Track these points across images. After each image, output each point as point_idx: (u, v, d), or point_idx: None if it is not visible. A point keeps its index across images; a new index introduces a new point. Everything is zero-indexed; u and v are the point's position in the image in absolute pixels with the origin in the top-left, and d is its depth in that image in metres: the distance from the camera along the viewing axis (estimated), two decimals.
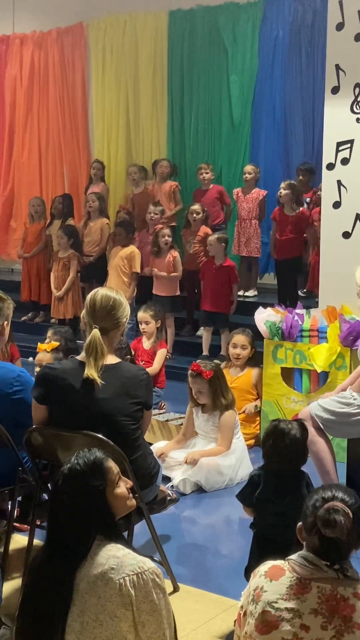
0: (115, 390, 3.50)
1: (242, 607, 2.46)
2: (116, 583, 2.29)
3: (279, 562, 2.43)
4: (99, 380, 3.46)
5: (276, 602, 2.32)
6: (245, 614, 2.42)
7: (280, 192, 8.51)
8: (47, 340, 5.95)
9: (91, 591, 2.31)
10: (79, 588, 2.32)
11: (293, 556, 2.42)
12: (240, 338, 6.43)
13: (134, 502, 2.63)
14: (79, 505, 2.40)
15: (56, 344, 5.49)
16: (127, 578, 2.30)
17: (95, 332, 3.52)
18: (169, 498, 4.09)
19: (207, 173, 9.40)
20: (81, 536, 2.38)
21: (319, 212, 7.14)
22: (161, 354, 6.97)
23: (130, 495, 2.59)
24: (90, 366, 3.48)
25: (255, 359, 6.44)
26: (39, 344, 5.67)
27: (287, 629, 2.30)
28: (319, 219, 6.97)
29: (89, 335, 3.53)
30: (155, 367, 6.84)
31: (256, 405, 6.26)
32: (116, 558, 2.34)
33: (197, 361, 5.59)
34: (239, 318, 7.99)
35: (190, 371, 5.46)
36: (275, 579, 2.37)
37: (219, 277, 8.11)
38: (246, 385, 6.34)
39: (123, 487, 2.54)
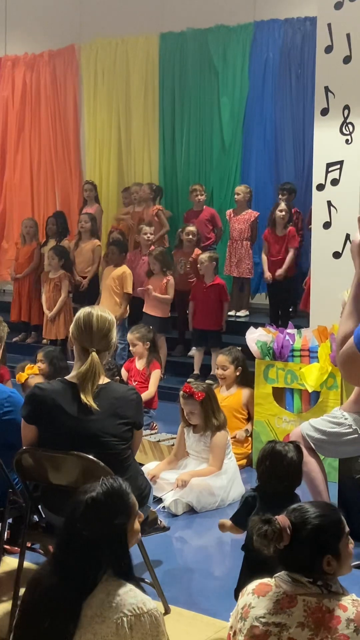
0: (105, 411, 3.47)
1: (231, 627, 2.46)
2: (113, 622, 2.22)
3: (265, 580, 2.44)
4: (95, 406, 3.43)
5: (264, 617, 2.34)
6: (235, 633, 2.42)
7: (282, 214, 8.52)
8: (39, 363, 5.97)
9: (88, 627, 2.23)
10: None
11: (279, 573, 2.43)
12: (220, 358, 6.46)
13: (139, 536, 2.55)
14: (98, 539, 2.29)
15: (36, 370, 5.54)
16: (124, 618, 2.23)
17: (94, 355, 3.49)
18: (156, 526, 4.06)
19: (201, 195, 9.42)
20: (92, 570, 2.28)
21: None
22: (155, 376, 6.94)
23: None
24: (87, 391, 3.45)
25: (246, 379, 6.44)
26: (28, 366, 5.68)
27: None
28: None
29: (88, 360, 3.46)
30: (151, 390, 6.81)
31: (247, 430, 6.24)
32: (117, 595, 2.26)
33: (189, 381, 5.57)
34: (231, 338, 7.99)
35: (182, 392, 5.45)
36: (262, 595, 2.38)
37: (209, 296, 8.12)
38: (236, 405, 6.32)
39: (138, 522, 2.46)
